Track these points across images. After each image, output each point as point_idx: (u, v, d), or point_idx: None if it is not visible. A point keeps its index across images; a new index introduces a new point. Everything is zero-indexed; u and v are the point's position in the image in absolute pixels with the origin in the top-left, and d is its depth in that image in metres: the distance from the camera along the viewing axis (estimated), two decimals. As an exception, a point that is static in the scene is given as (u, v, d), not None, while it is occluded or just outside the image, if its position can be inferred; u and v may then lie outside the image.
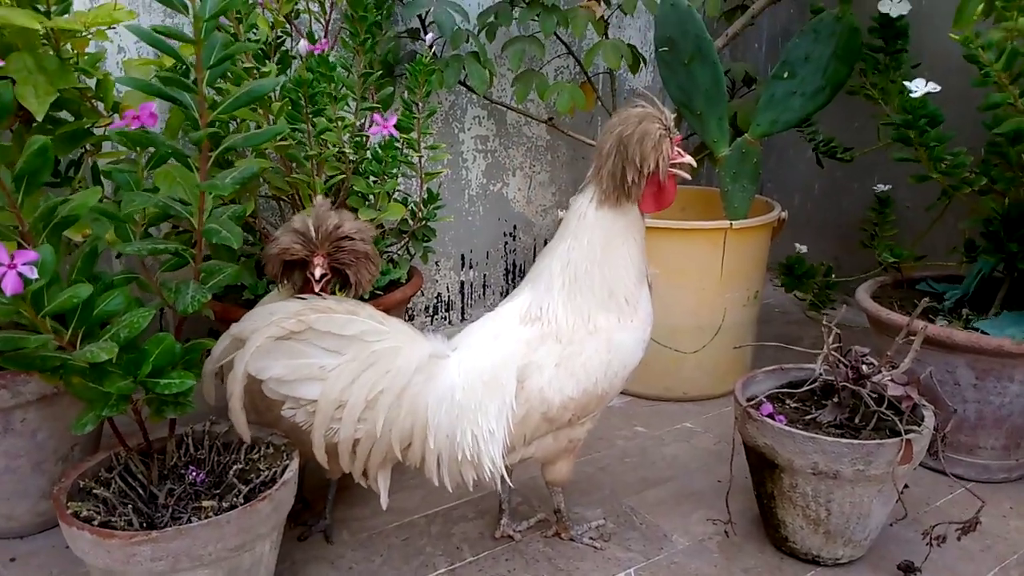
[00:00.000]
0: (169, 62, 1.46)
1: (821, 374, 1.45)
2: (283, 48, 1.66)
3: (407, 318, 2.44)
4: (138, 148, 1.21)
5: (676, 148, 1.28)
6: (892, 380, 1.38)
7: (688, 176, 1.30)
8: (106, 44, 1.67)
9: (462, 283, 2.55)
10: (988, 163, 1.72)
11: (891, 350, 1.44)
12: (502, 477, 1.30)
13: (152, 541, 1.08)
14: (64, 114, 1.47)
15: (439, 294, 2.51)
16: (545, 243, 2.64)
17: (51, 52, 1.36)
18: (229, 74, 1.46)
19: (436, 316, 2.53)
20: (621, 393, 1.39)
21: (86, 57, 1.41)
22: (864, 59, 1.96)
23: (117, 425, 1.26)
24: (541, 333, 1.30)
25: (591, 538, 1.50)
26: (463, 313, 2.57)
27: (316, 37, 1.75)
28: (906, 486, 1.41)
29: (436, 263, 2.47)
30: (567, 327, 1.30)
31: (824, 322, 1.44)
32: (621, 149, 1.24)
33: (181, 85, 1.12)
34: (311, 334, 1.23)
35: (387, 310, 1.42)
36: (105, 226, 1.28)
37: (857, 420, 1.39)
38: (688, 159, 1.28)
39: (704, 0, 2.04)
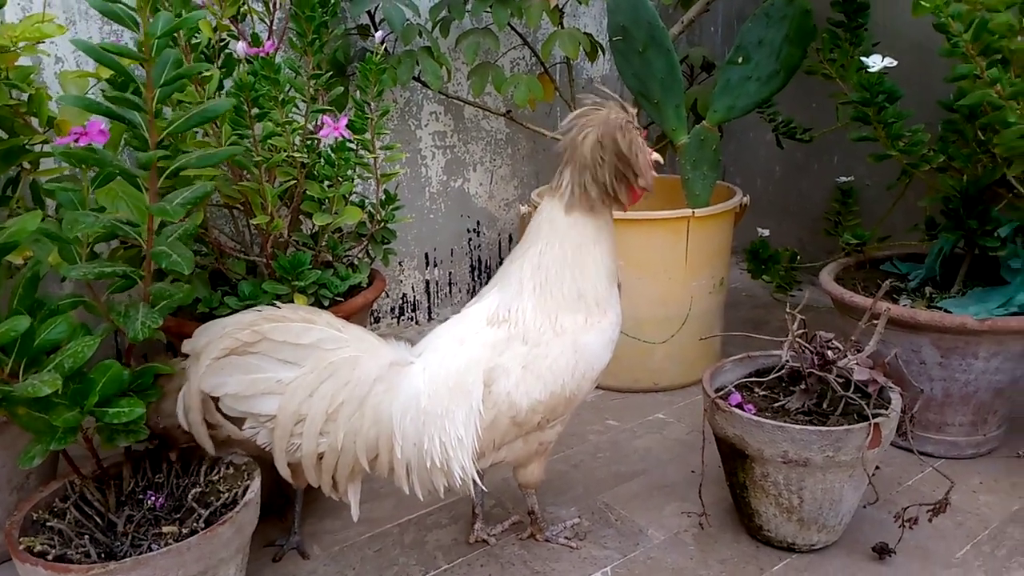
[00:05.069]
0: (107, 73, 1.39)
1: (788, 361, 1.44)
2: (227, 51, 1.60)
3: (373, 321, 2.41)
4: (83, 166, 1.16)
5: (644, 143, 1.27)
6: (858, 364, 1.38)
7: (655, 172, 1.29)
8: (42, 56, 1.61)
9: (427, 282, 2.51)
10: (945, 140, 1.72)
11: (855, 333, 1.44)
12: (474, 482, 1.28)
13: (109, 573, 1.05)
14: (-3, 131, 1.41)
15: (404, 295, 2.48)
16: (510, 238, 2.63)
17: (-21, 68, 1.30)
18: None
19: (403, 317, 2.49)
20: (590, 388, 1.38)
21: (16, 72, 1.35)
22: (823, 35, 1.96)
23: (71, 448, 1.21)
24: (508, 335, 1.28)
25: (566, 538, 1.49)
26: (430, 313, 2.54)
27: (261, 39, 1.70)
28: (877, 468, 1.42)
29: (400, 263, 2.43)
30: (534, 328, 1.27)
31: (788, 309, 1.44)
32: (610, 159, 1.23)
33: (130, 104, 1.07)
34: (266, 345, 1.20)
35: (349, 316, 1.39)
36: (47, 248, 1.22)
37: (825, 405, 1.39)
38: (656, 156, 1.28)
39: (657, -14, 2.03)
